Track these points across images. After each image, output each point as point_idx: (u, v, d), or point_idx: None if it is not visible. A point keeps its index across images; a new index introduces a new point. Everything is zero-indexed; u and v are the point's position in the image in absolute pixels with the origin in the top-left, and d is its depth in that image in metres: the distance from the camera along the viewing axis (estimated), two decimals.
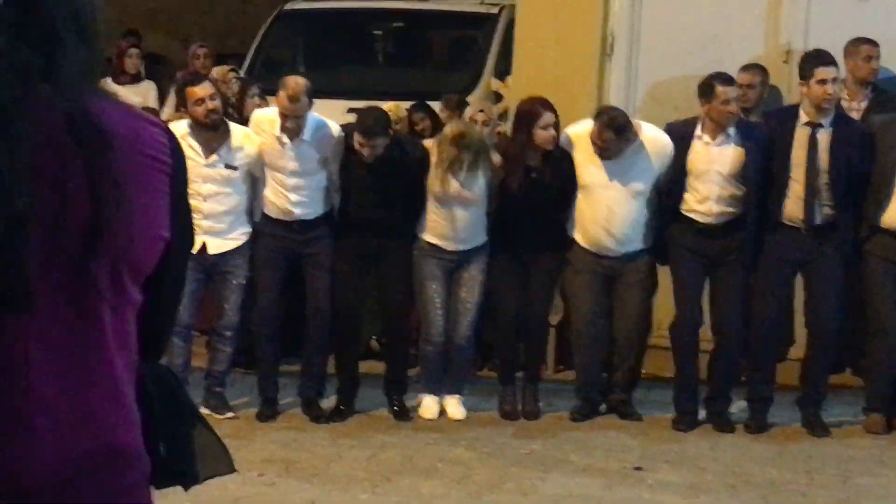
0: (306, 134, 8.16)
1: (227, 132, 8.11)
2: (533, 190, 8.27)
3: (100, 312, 1.87)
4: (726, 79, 8.21)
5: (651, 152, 8.26)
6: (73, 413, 1.87)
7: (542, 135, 8.25)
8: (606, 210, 8.27)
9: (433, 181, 8.21)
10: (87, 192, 1.82)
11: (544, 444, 7.96)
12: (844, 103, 8.81)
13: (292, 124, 8.11)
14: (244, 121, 8.98)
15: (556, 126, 8.29)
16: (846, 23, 9.22)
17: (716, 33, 9.44)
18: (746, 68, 9.07)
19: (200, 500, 6.17)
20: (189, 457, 2.14)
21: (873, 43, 8.87)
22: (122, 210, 1.84)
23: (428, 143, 8.54)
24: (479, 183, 8.24)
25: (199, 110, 7.97)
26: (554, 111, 8.28)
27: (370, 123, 8.15)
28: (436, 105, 10.09)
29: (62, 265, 1.82)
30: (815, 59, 8.19)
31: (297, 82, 8.13)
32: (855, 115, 8.69)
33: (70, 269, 1.83)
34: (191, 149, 7.79)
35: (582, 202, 8.34)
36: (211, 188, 8.01)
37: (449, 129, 8.41)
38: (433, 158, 8.22)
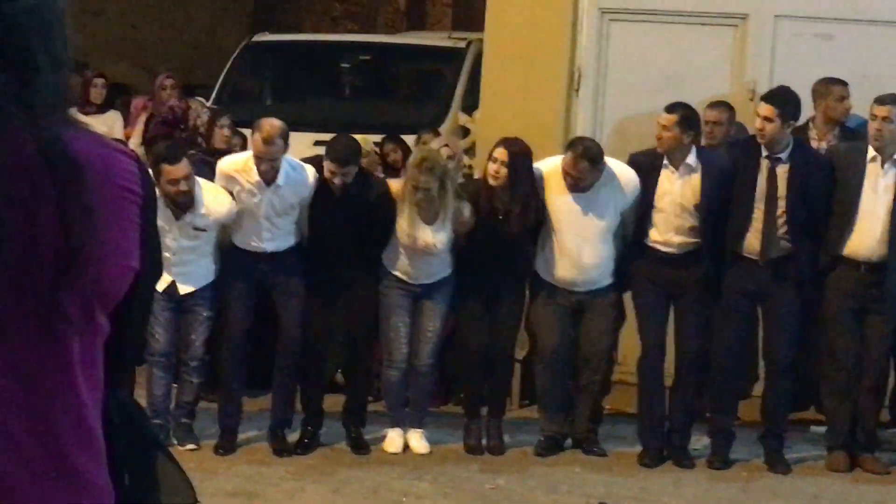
0: (281, 178, 8.09)
1: (194, 198, 7.98)
2: (501, 229, 8.25)
3: (68, 341, 1.86)
4: (667, 107, 8.22)
5: (618, 187, 8.27)
6: (39, 443, 1.85)
7: (489, 167, 8.25)
8: (575, 247, 8.27)
9: (400, 228, 8.19)
10: (58, 221, 1.81)
11: (509, 479, 7.94)
12: (814, 143, 8.86)
13: (267, 167, 8.04)
14: (212, 151, 8.94)
15: (518, 161, 8.22)
16: (811, 60, 9.30)
17: (682, 70, 9.50)
18: (714, 105, 9.11)
19: None
20: (152, 488, 2.13)
21: (843, 83, 8.93)
22: (92, 240, 1.83)
23: (393, 183, 8.49)
24: (445, 232, 8.21)
25: (172, 190, 7.80)
26: (511, 147, 8.23)
27: (342, 151, 8.13)
28: (407, 139, 10.09)
29: (32, 294, 1.80)
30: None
31: (271, 125, 8.04)
32: None
33: (40, 298, 1.81)
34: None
35: (550, 238, 8.34)
36: (181, 243, 7.94)
37: (414, 155, 8.41)
38: (399, 197, 8.20)
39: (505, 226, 8.24)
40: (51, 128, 1.84)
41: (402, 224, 8.16)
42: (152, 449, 2.15)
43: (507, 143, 8.29)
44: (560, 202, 8.27)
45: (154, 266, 2.05)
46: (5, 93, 1.82)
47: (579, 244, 8.26)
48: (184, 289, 8.01)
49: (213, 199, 8.05)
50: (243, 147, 9.17)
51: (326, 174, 8.10)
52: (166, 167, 7.79)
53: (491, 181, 8.24)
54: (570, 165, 8.15)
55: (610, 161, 8.34)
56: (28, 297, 1.80)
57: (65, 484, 1.88)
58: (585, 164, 8.11)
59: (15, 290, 1.78)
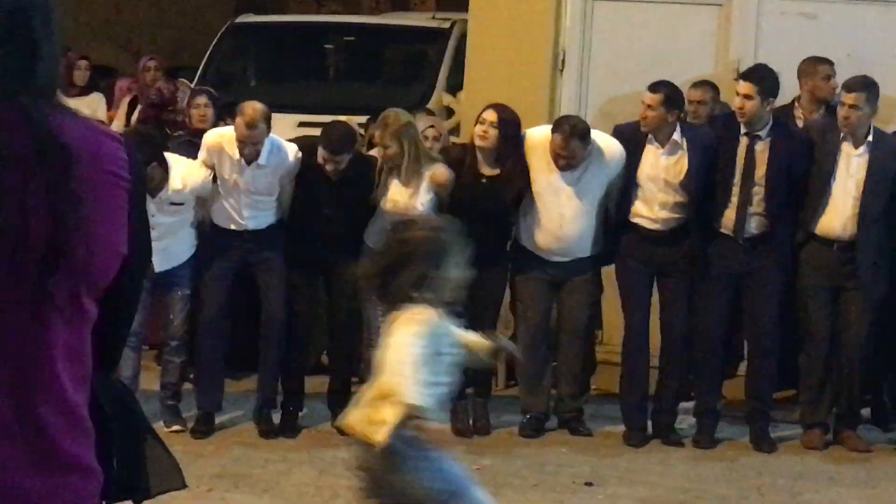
0: (263, 157, 8.09)
1: (165, 175, 7.97)
2: (486, 196, 8.25)
3: (53, 327, 1.86)
4: (650, 86, 8.24)
5: (604, 160, 8.27)
6: (25, 425, 1.86)
7: (476, 129, 8.27)
8: (558, 217, 8.27)
9: (383, 197, 8.19)
10: (48, 207, 1.81)
11: (495, 459, 7.95)
12: (799, 122, 8.88)
13: (249, 150, 8.04)
14: (194, 132, 8.89)
15: (506, 127, 8.23)
16: (795, 40, 9.30)
17: (666, 50, 9.49)
18: (697, 85, 9.12)
19: None
20: (141, 471, 2.13)
21: (830, 63, 8.95)
22: (81, 226, 1.84)
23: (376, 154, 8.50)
24: (424, 198, 8.22)
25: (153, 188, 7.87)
26: (501, 112, 8.24)
27: (337, 140, 8.12)
28: None
29: (21, 280, 1.80)
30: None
31: (254, 108, 8.03)
32: None
33: (28, 284, 1.81)
34: None
35: (532, 207, 8.34)
36: (159, 219, 7.90)
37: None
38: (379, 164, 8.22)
39: (488, 191, 8.23)
40: (43, 114, 1.84)
41: (384, 192, 8.18)
42: (141, 433, 2.16)
43: (497, 107, 8.33)
44: (547, 177, 8.26)
45: (143, 251, 2.05)
46: (14, 78, 1.82)
47: (561, 215, 8.26)
48: (161, 266, 7.95)
49: (188, 172, 8.06)
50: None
51: (320, 160, 8.09)
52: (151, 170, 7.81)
53: (478, 141, 8.27)
54: (560, 147, 8.13)
55: (594, 133, 8.34)
56: (17, 283, 1.80)
57: (51, 465, 1.89)
58: (576, 142, 8.11)
59: (5, 276, 1.78)
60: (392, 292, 4.78)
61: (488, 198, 8.24)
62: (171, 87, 10.56)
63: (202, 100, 9.26)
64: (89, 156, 1.89)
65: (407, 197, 8.18)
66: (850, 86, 8.12)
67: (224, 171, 8.12)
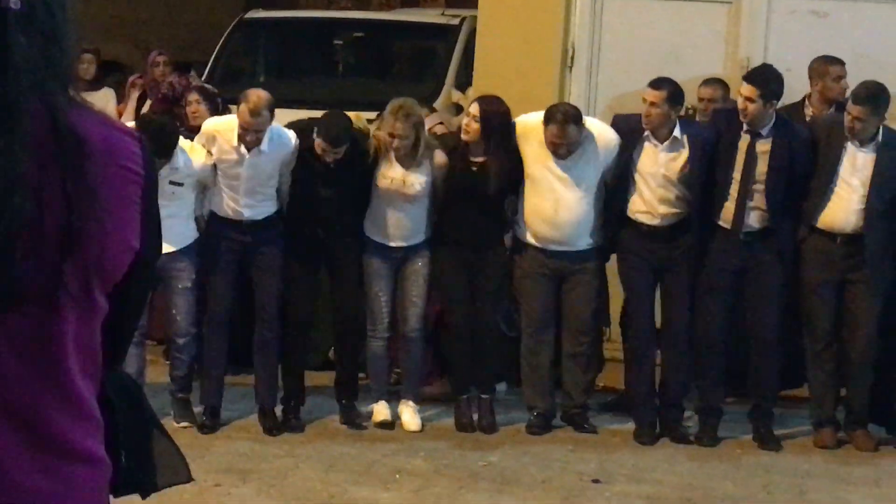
0: (264, 144, 8.10)
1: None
2: (477, 185, 8.27)
3: (65, 317, 1.87)
4: (652, 83, 8.23)
5: (597, 146, 8.28)
6: (34, 415, 1.87)
7: (463, 121, 8.35)
8: (553, 203, 8.27)
9: (379, 175, 8.22)
10: (62, 199, 1.81)
11: (502, 456, 7.95)
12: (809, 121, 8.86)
13: (252, 137, 8.04)
14: (190, 129, 8.88)
15: (490, 119, 8.21)
16: (805, 38, 9.31)
17: (676, 48, 9.50)
18: (708, 82, 9.11)
19: None
20: (148, 465, 2.14)
21: (841, 63, 8.93)
22: (95, 219, 1.84)
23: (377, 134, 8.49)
24: (422, 177, 8.24)
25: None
26: (485, 105, 8.26)
27: (336, 132, 8.12)
28: None
29: (36, 268, 1.81)
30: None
31: (258, 96, 8.03)
32: None
33: (43, 273, 1.82)
34: None
35: (528, 195, 8.34)
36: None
37: (390, 104, 8.33)
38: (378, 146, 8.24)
39: (478, 178, 8.24)
40: (63, 107, 1.85)
41: (381, 170, 8.20)
42: (149, 427, 2.16)
43: (482, 100, 8.38)
44: (541, 164, 8.27)
45: (154, 246, 2.06)
46: (35, 68, 1.83)
47: (556, 200, 8.26)
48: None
49: (190, 150, 8.07)
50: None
51: (318, 150, 8.09)
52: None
53: (463, 136, 8.31)
54: (557, 135, 8.12)
55: (588, 120, 8.35)
56: (32, 273, 1.81)
57: (60, 456, 1.90)
58: (572, 127, 8.12)
59: (19, 265, 1.79)
60: None
61: (479, 184, 8.25)
62: (183, 82, 10.55)
63: (194, 97, 9.29)
64: (104, 150, 1.90)
65: (404, 177, 8.20)
66: (857, 96, 8.09)
67: (223, 159, 8.13)
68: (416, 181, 8.23)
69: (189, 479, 2.24)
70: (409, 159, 8.20)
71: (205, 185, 8.19)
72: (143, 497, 2.18)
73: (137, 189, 1.97)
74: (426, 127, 8.91)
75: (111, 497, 2.04)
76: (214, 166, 8.15)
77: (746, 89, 8.08)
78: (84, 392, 1.92)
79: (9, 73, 1.80)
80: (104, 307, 1.94)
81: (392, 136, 8.12)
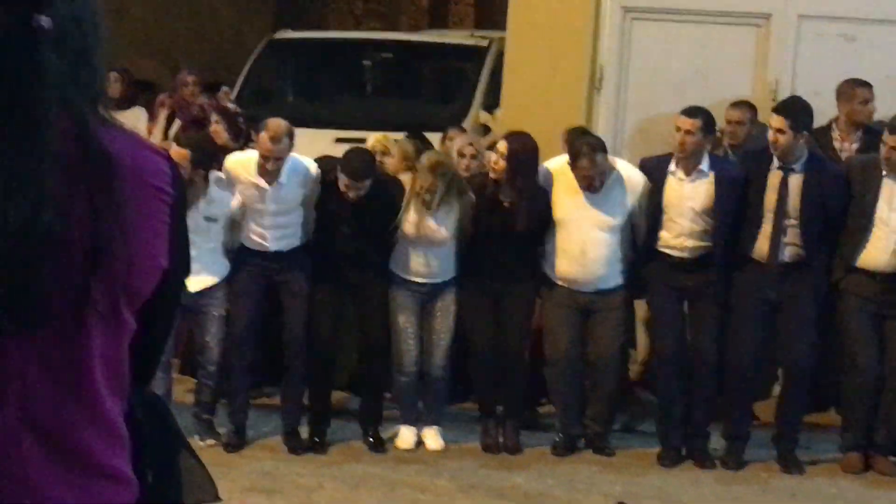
0: (283, 177, 8.13)
1: (205, 184, 8.07)
2: (506, 223, 8.27)
3: (94, 335, 1.87)
4: (687, 111, 8.21)
5: (626, 187, 8.28)
6: (62, 434, 1.87)
7: (490, 158, 8.32)
8: (581, 244, 8.27)
9: (406, 220, 8.21)
10: (90, 216, 1.82)
11: (527, 477, 7.94)
12: (836, 144, 8.86)
13: (273, 166, 8.06)
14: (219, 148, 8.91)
15: (517, 157, 8.22)
16: (833, 61, 9.29)
17: (704, 70, 9.49)
18: (736, 105, 9.11)
19: None
20: (176, 484, 2.14)
21: (868, 86, 8.92)
22: (122, 237, 1.85)
23: (403, 177, 8.53)
24: (450, 222, 8.25)
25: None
26: (512, 143, 8.25)
27: (358, 167, 8.12)
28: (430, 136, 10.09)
29: (64, 285, 1.82)
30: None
31: (278, 124, 8.08)
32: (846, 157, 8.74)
33: (70, 291, 1.83)
34: None
35: (556, 237, 8.35)
36: (191, 237, 7.91)
37: (426, 157, 8.41)
38: (407, 191, 8.24)
39: (509, 217, 8.24)
40: (92, 123, 1.86)
41: (407, 216, 8.20)
42: (176, 446, 2.17)
43: (509, 136, 8.37)
44: (569, 201, 8.27)
45: (182, 266, 2.07)
46: (64, 83, 1.84)
47: (584, 241, 8.26)
48: (193, 285, 7.96)
49: (225, 185, 8.10)
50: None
51: (342, 187, 8.10)
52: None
53: (490, 173, 8.29)
54: (587, 167, 8.13)
55: (618, 162, 8.37)
56: (59, 289, 1.82)
57: (86, 474, 1.90)
58: (600, 155, 8.13)
59: (47, 282, 1.80)
60: None
61: (508, 223, 8.25)
62: (213, 104, 10.61)
63: (214, 117, 9.38)
64: (133, 168, 1.91)
65: (430, 222, 8.20)
66: (894, 126, 8.07)
67: (245, 194, 8.16)
68: (444, 227, 8.24)
69: (217, 498, 2.24)
70: (439, 203, 8.22)
71: (235, 221, 8.23)
72: None
73: (166, 207, 1.97)
74: (456, 148, 8.95)
75: None
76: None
77: (776, 121, 8.06)
78: (112, 410, 1.93)
79: (38, 90, 1.81)
80: (132, 325, 1.94)
81: (427, 190, 8.15)
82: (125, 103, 11.68)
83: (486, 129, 11.23)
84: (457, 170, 8.42)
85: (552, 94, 9.49)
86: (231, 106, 10.28)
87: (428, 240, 8.25)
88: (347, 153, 8.31)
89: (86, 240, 1.82)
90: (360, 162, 8.19)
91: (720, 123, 9.02)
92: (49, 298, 1.80)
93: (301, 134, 8.36)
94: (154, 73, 14.31)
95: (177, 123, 11.17)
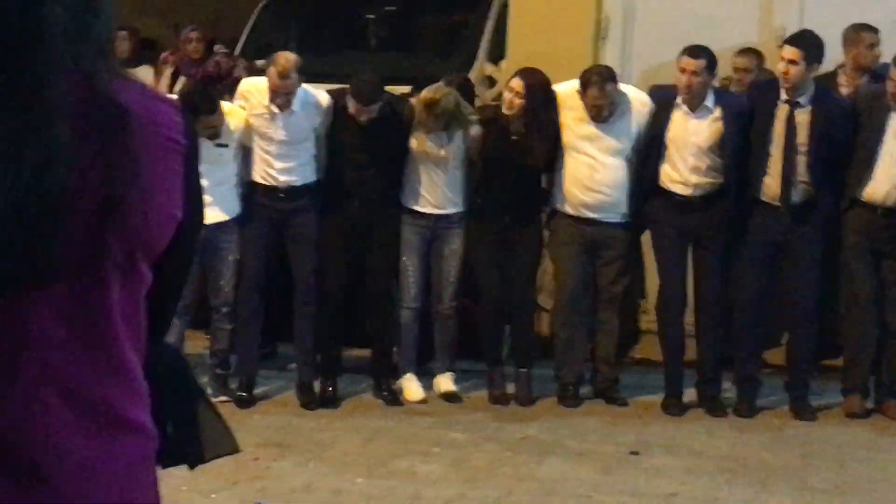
0: (296, 105, 8.18)
1: (220, 119, 8.08)
2: (514, 157, 8.25)
3: (111, 288, 1.87)
4: (690, 51, 8.18)
5: (632, 110, 8.29)
6: (82, 385, 1.86)
7: (504, 95, 8.36)
8: (589, 167, 8.27)
9: (413, 143, 8.26)
10: (103, 169, 1.81)
11: (539, 428, 7.95)
12: (843, 89, 8.80)
13: (282, 100, 8.12)
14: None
15: (534, 93, 8.22)
16: (840, 6, 9.21)
17: (710, 18, 9.42)
18: (742, 52, 9.07)
19: (197, 482, 6.19)
20: (195, 436, 2.14)
21: (874, 30, 8.87)
22: (136, 188, 1.84)
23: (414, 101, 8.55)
24: (455, 144, 8.26)
25: (207, 135, 7.85)
26: (528, 79, 8.25)
27: (365, 91, 8.16)
28: None
29: (78, 240, 1.81)
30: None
31: (286, 58, 8.14)
32: None
33: (85, 245, 1.81)
34: None
35: (564, 162, 8.33)
36: (203, 167, 7.89)
37: (423, 93, 8.39)
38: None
39: (518, 150, 8.22)
40: (100, 74, 1.84)
41: (414, 141, 8.24)
42: (195, 399, 2.16)
43: (523, 73, 8.37)
44: (577, 126, 8.28)
45: (197, 216, 2.05)
46: (66, 34, 1.82)
47: (592, 166, 8.27)
48: (208, 219, 7.92)
49: (230, 111, 8.14)
50: None
51: (351, 111, 8.12)
52: (205, 120, 7.81)
53: (505, 110, 8.30)
54: (598, 97, 8.13)
55: (625, 87, 8.37)
56: (76, 242, 1.81)
57: (108, 426, 1.90)
58: (610, 85, 8.16)
59: (66, 238, 1.79)
60: None
61: (518, 156, 8.25)
62: (230, 62, 10.59)
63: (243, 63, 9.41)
64: (144, 119, 1.89)
65: (437, 144, 8.23)
66: None
67: (257, 116, 8.17)
68: (450, 151, 8.24)
69: (236, 450, 2.24)
70: (436, 137, 8.24)
71: (246, 149, 8.21)
72: (191, 468, 2.17)
73: (179, 158, 1.96)
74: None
75: (158, 468, 2.04)
76: None
77: (789, 51, 8.02)
78: (131, 363, 1.92)
79: (44, 43, 1.80)
80: (148, 278, 1.93)
81: (422, 124, 8.18)
82: (133, 62, 11.64)
83: (491, 82, 11.17)
84: (459, 103, 8.37)
85: (557, 45, 9.43)
86: (260, 64, 10.25)
87: (434, 157, 8.23)
88: (355, 78, 8.32)
89: (100, 193, 1.81)
90: (369, 85, 8.23)
91: (727, 71, 8.98)
92: (65, 252, 1.79)
93: (305, 89, 8.34)
94: (156, 32, 14.25)
95: (181, 81, 11.13)
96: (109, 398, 1.89)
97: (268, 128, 8.18)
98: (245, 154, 8.25)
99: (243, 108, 8.24)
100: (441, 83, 8.58)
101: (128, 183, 1.82)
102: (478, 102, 8.90)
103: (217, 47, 11.66)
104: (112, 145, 1.82)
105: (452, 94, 8.41)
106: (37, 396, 1.84)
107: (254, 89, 8.29)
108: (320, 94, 8.30)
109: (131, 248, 1.87)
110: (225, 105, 8.20)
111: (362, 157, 8.23)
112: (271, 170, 8.21)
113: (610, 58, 9.53)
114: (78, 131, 1.80)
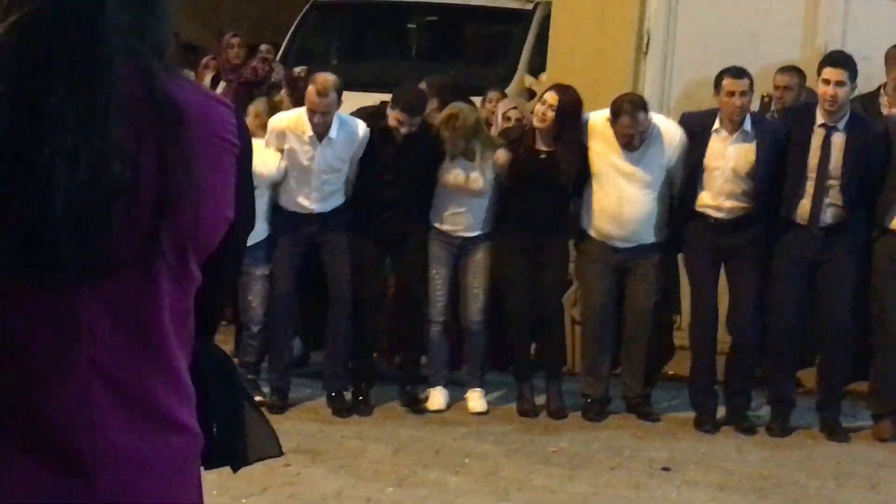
0: (333, 132, 8.13)
1: None
2: (543, 173, 8.24)
3: (163, 286, 1.87)
4: (735, 72, 8.17)
5: (663, 143, 8.26)
6: (130, 382, 1.87)
7: (537, 108, 8.31)
8: (617, 199, 8.26)
9: (445, 169, 8.25)
10: (158, 166, 1.81)
11: (571, 441, 7.93)
12: (884, 110, 8.75)
13: (320, 120, 8.07)
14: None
15: (565, 109, 8.21)
16: (884, 24, 9.18)
17: (752, 34, 9.40)
18: (783, 70, 9.03)
19: (228, 486, 6.20)
20: (240, 438, 2.15)
21: None
22: (190, 188, 1.84)
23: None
24: (484, 175, 8.25)
25: None
26: (562, 94, 8.25)
27: (412, 101, 8.19)
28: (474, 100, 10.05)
29: (132, 237, 1.81)
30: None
31: (325, 78, 8.12)
32: None
33: (139, 242, 1.82)
34: None
35: (593, 191, 8.32)
36: None
37: (443, 112, 8.41)
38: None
39: (545, 166, 8.23)
40: (158, 74, 1.85)
41: (446, 164, 8.25)
42: (240, 400, 2.16)
43: (558, 88, 8.36)
44: (606, 155, 8.26)
45: (248, 217, 2.06)
46: (128, 34, 1.83)
47: (620, 198, 8.25)
48: None
49: (261, 160, 7.99)
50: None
51: (392, 122, 8.12)
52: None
53: (537, 123, 8.31)
54: (629, 126, 8.12)
55: (656, 117, 8.33)
56: (130, 239, 1.81)
57: (155, 423, 1.90)
58: (641, 114, 8.13)
59: (118, 232, 1.80)
60: None
61: (545, 172, 8.24)
62: (266, 67, 10.62)
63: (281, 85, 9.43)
64: (200, 118, 1.90)
65: (469, 174, 8.22)
66: None
67: (293, 153, 8.15)
68: (480, 177, 8.24)
69: (280, 453, 2.24)
70: (474, 158, 8.23)
71: (275, 184, 8.22)
72: (235, 470, 2.17)
73: (232, 159, 1.96)
74: (500, 112, 8.93)
75: (202, 469, 2.04)
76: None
77: (835, 73, 7.96)
78: (179, 362, 1.93)
79: (101, 39, 1.80)
80: (198, 277, 1.94)
81: (446, 141, 8.20)
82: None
83: (531, 94, 11.18)
84: (480, 121, 8.39)
85: (598, 58, 9.43)
86: (297, 71, 10.28)
87: (464, 191, 8.23)
88: (400, 88, 8.35)
89: (155, 190, 1.82)
90: (414, 95, 8.26)
91: (767, 89, 8.95)
92: (119, 248, 1.80)
93: (345, 97, 8.36)
94: (198, 36, 14.33)
95: (221, 85, 11.18)
96: (156, 396, 1.90)
97: (306, 159, 8.14)
98: (272, 186, 8.24)
99: (276, 148, 8.18)
100: (423, 83, 8.72)
101: (183, 182, 1.83)
102: (515, 115, 8.84)
103: (264, 48, 11.71)
104: (167, 143, 1.83)
105: (470, 109, 8.44)
106: (86, 391, 1.84)
107: (287, 122, 8.24)
108: (359, 123, 8.24)
109: (183, 247, 1.88)
110: (257, 144, 8.12)
111: (394, 176, 8.22)
112: (305, 200, 8.21)
113: (651, 72, 9.52)
114: (134, 128, 1.80)
